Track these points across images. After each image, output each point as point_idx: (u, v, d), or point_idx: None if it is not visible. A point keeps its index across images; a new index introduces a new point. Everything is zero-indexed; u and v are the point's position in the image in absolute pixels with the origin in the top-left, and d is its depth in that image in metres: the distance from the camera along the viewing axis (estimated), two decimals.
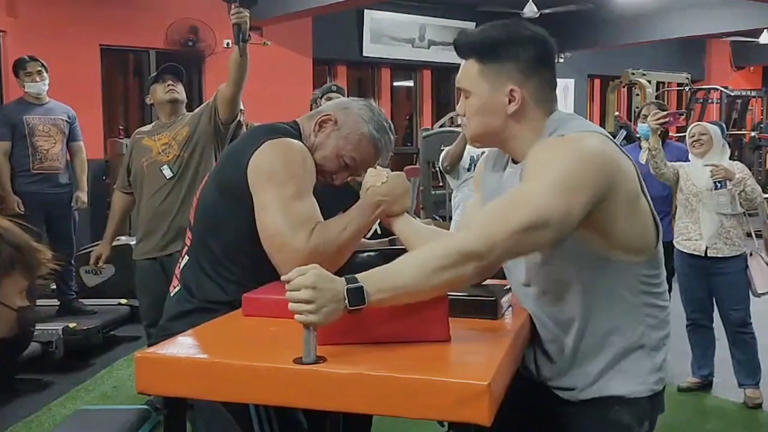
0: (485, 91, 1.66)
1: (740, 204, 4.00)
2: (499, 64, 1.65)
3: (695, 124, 4.24)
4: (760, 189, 4.02)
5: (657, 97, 10.31)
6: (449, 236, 1.73)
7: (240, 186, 1.87)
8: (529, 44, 1.66)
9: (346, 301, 1.42)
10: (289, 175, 1.85)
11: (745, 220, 4.12)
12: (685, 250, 4.08)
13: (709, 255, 4.04)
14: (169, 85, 3.72)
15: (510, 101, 1.64)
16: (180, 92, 3.77)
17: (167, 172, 3.59)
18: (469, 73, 1.68)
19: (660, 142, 4.13)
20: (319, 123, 2.01)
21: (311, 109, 3.64)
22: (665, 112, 4.22)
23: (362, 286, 1.43)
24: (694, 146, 4.08)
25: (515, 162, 1.74)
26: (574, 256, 1.64)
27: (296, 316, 1.41)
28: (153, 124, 3.89)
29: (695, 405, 4.16)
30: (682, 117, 4.19)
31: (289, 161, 1.87)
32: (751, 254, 4.06)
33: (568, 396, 1.74)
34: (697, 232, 4.06)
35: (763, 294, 4.05)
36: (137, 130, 3.95)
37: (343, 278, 1.44)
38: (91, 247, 6.04)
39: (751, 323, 4.12)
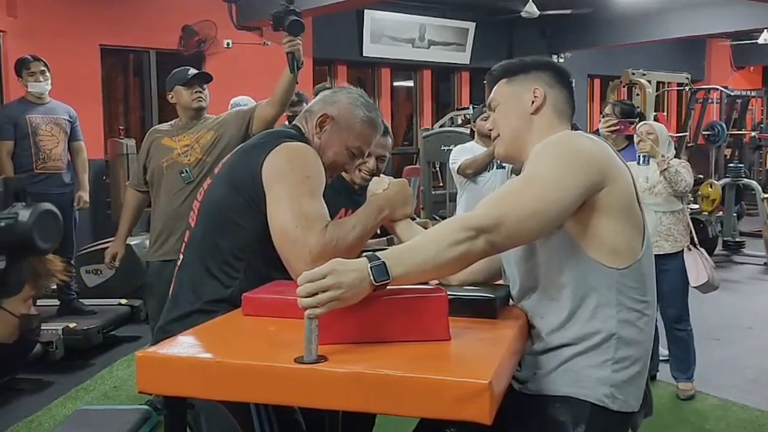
0: (512, 95, 1.84)
1: (671, 190, 4.08)
2: (523, 75, 1.85)
3: (642, 123, 4.37)
4: (688, 179, 4.09)
5: (657, 97, 10.32)
6: (463, 214, 1.80)
7: (254, 184, 1.91)
8: (552, 66, 1.88)
9: (372, 278, 1.46)
10: (304, 176, 1.90)
11: (685, 217, 4.21)
12: None
13: None
14: (197, 92, 3.71)
15: (533, 101, 1.80)
16: (206, 98, 3.76)
17: (185, 177, 3.56)
18: (498, 89, 1.88)
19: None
20: (319, 124, 2.09)
21: None
22: (616, 120, 4.38)
23: (384, 262, 1.49)
24: (640, 145, 4.17)
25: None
26: (556, 252, 1.70)
27: (326, 304, 1.42)
28: (171, 123, 3.84)
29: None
30: (633, 126, 4.38)
31: (304, 163, 1.94)
32: (689, 249, 4.15)
33: (519, 387, 1.77)
34: None
35: (697, 287, 4.16)
36: (154, 128, 3.92)
37: (363, 257, 1.50)
38: (91, 247, 6.07)
39: (687, 320, 4.21)
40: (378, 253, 1.52)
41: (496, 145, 1.89)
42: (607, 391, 1.69)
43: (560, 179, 1.62)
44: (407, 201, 2.05)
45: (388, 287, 1.51)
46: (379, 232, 2.43)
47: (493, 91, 1.90)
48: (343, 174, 2.75)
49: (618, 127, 4.31)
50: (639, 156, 4.16)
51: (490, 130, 1.91)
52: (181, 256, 2.06)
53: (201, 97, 3.73)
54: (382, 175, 2.18)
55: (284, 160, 1.91)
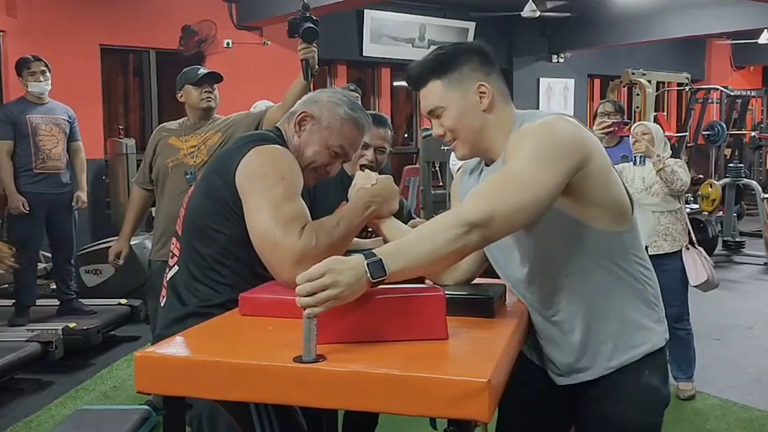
0: (457, 98, 1.77)
1: (668, 189, 4.10)
2: (457, 72, 1.77)
3: (638, 123, 4.39)
4: (684, 178, 4.10)
5: (657, 97, 10.30)
6: (455, 209, 1.78)
7: (229, 192, 1.89)
8: (473, 50, 1.81)
9: (368, 275, 1.47)
10: (277, 178, 1.87)
11: (683, 216, 4.22)
12: None
13: (649, 253, 4.09)
14: (206, 91, 3.68)
15: (481, 97, 1.76)
16: (215, 98, 3.73)
17: (190, 178, 3.52)
18: (434, 92, 1.79)
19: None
20: (298, 122, 2.06)
21: None
22: (610, 122, 4.41)
23: (381, 259, 1.49)
24: (635, 146, 4.18)
25: (488, 165, 1.84)
26: (560, 232, 1.73)
27: (324, 303, 1.42)
28: (180, 122, 3.80)
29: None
30: (627, 127, 4.41)
31: (276, 165, 1.90)
32: (687, 248, 4.16)
33: (589, 375, 1.81)
34: None
35: (697, 286, 4.17)
36: (162, 126, 3.88)
37: (359, 254, 1.50)
38: (91, 247, 6.07)
39: (687, 319, 4.22)
40: (374, 250, 1.52)
41: (456, 148, 1.82)
42: (662, 328, 1.86)
43: (544, 167, 1.62)
44: (394, 197, 2.01)
45: (386, 286, 1.51)
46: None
47: (427, 96, 1.80)
48: (345, 168, 2.71)
49: (612, 129, 4.33)
50: (635, 156, 4.17)
51: (441, 136, 1.81)
52: (176, 268, 2.02)
53: (210, 98, 3.69)
54: (366, 170, 2.12)
55: (256, 164, 1.89)
